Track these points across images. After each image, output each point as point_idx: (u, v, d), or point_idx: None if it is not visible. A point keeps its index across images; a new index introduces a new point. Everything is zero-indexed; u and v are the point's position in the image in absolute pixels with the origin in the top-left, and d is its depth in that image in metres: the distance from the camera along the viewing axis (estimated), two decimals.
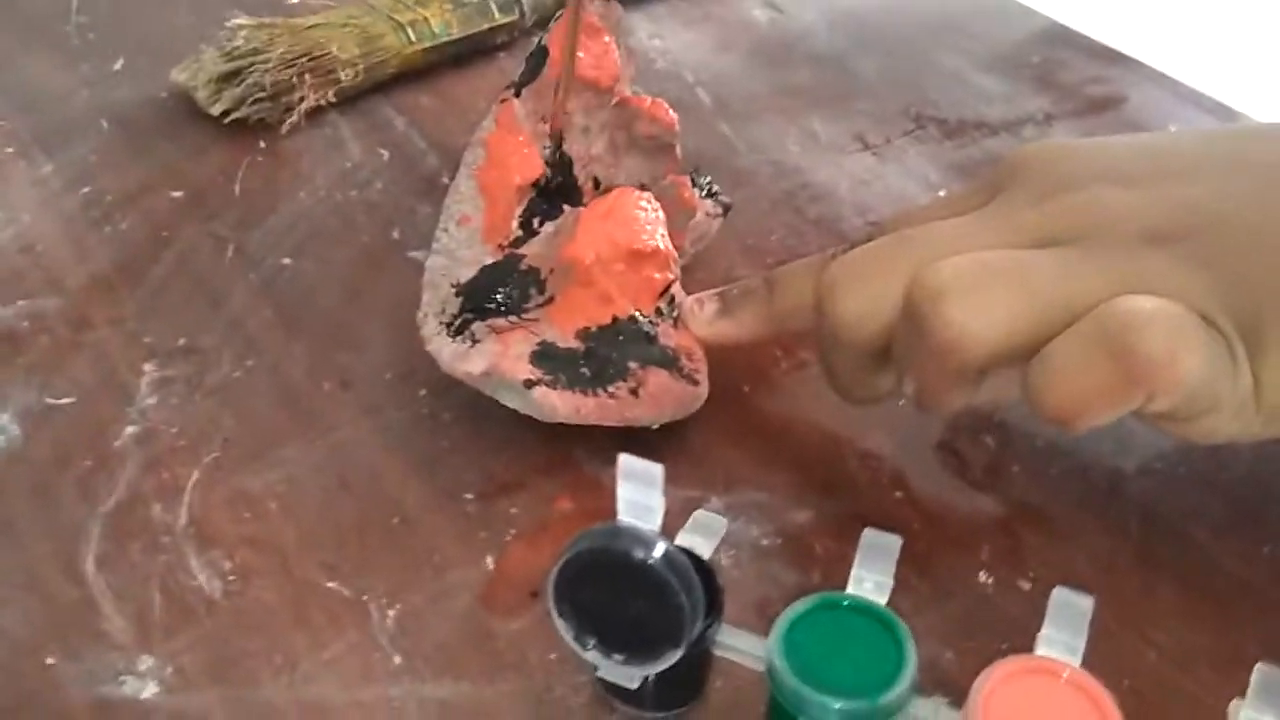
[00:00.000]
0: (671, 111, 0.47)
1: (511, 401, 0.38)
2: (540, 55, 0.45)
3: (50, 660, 0.32)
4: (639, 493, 0.28)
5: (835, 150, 0.56)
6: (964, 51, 0.64)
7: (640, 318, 0.39)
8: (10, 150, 0.50)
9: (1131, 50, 0.66)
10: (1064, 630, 0.30)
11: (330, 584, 0.35)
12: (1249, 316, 0.32)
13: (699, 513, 0.35)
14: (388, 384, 0.42)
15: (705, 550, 0.33)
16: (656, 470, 0.28)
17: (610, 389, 0.37)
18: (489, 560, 0.36)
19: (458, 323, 0.39)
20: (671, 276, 0.40)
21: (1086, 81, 0.63)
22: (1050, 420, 0.32)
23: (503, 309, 0.39)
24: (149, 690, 0.32)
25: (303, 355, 0.42)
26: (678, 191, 0.44)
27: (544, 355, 0.38)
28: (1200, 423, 0.32)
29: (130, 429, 0.39)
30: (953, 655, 0.34)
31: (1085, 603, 0.30)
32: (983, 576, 0.37)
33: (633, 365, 0.38)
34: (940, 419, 0.41)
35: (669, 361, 0.39)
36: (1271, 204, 0.33)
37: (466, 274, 0.41)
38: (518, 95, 0.45)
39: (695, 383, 0.39)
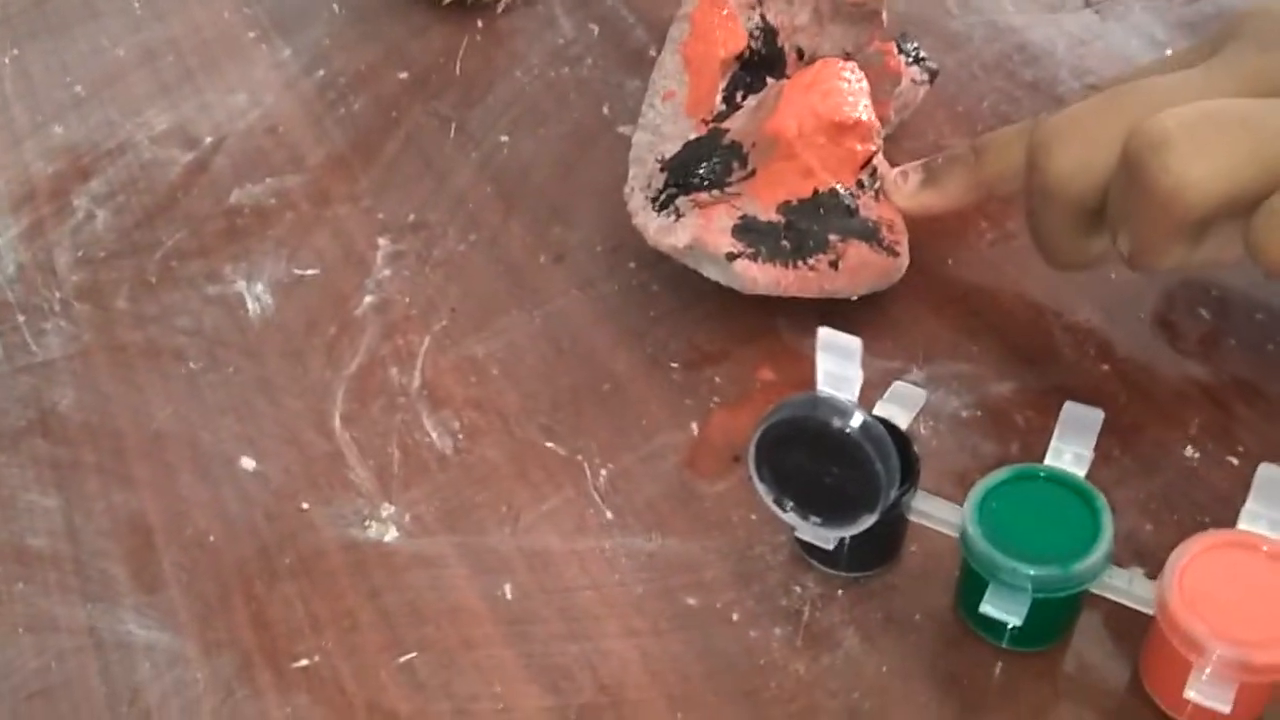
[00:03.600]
0: None
1: (713, 274, 0.39)
2: None
3: (305, 505, 0.36)
4: (837, 364, 0.29)
5: (1053, 8, 0.54)
6: None
7: (841, 190, 0.40)
8: (253, 35, 0.54)
9: None
10: (1269, 505, 0.30)
11: (548, 444, 0.38)
12: None
13: (898, 384, 0.36)
14: (599, 257, 0.44)
15: (903, 420, 0.34)
16: (855, 343, 0.29)
17: (810, 261, 0.38)
18: (694, 426, 0.38)
19: (663, 197, 0.41)
20: (874, 148, 0.40)
21: None
22: (1274, 272, 0.31)
23: (706, 183, 0.40)
24: (390, 534, 0.35)
25: (520, 230, 0.45)
26: (883, 60, 0.44)
27: (745, 228, 0.39)
28: None
29: (369, 298, 0.42)
30: (1153, 528, 0.35)
31: None
32: (1189, 451, 0.36)
33: (833, 238, 0.39)
34: (1155, 287, 0.40)
35: (869, 234, 0.39)
36: None
37: (671, 149, 0.42)
38: None
39: (895, 254, 0.40)
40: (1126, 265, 0.35)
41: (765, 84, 0.45)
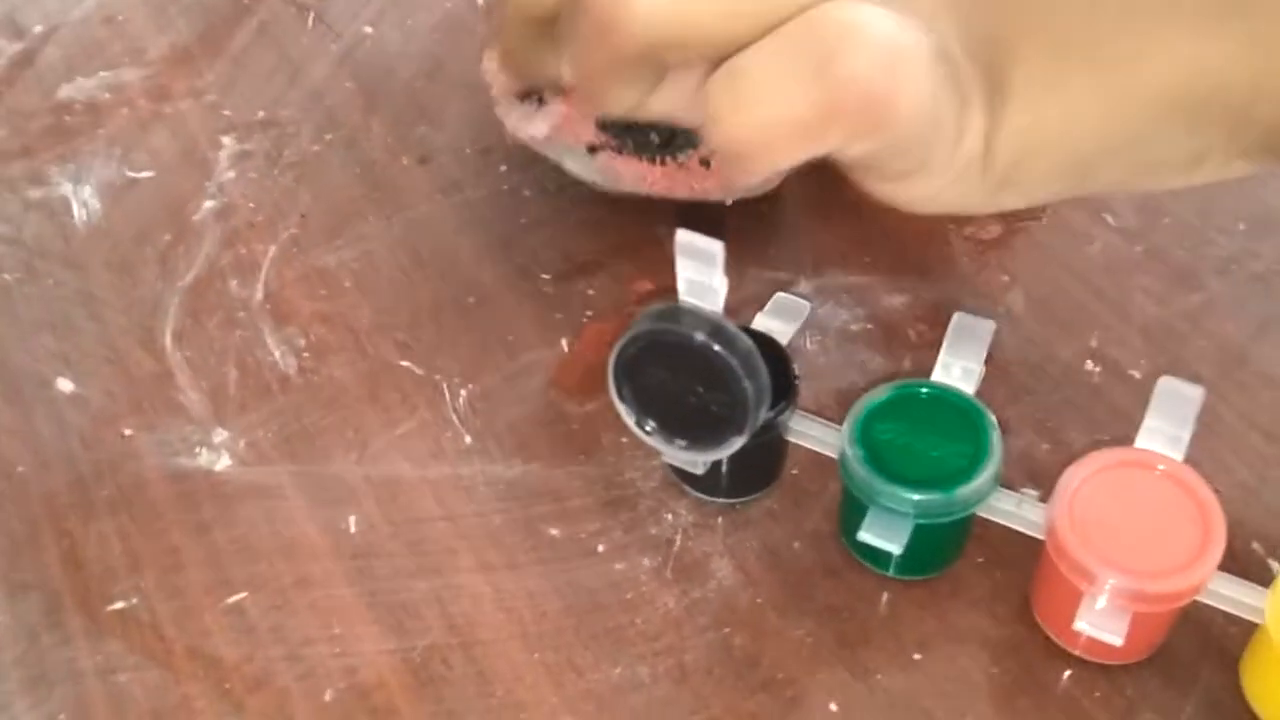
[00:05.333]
0: None
1: (575, 168, 0.36)
2: None
3: (128, 431, 0.33)
4: (699, 271, 0.26)
5: None
6: None
7: None
8: None
9: None
10: (1168, 420, 0.28)
11: (404, 362, 0.34)
12: (999, 52, 0.24)
13: (779, 295, 0.33)
14: (467, 159, 0.40)
15: (784, 334, 0.32)
16: (716, 247, 0.26)
17: (680, 158, 0.35)
18: (564, 342, 0.35)
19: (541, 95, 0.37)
20: None
21: None
22: (727, 152, 0.24)
23: None
24: (222, 463, 0.32)
25: (381, 129, 0.41)
26: None
27: (613, 124, 0.35)
28: (908, 184, 0.26)
29: (209, 203, 0.38)
30: (1049, 448, 0.32)
31: (1193, 392, 0.28)
32: (1089, 365, 0.34)
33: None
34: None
35: None
36: None
37: None
38: None
39: None
40: (573, 104, 0.28)
41: None
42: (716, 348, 0.26)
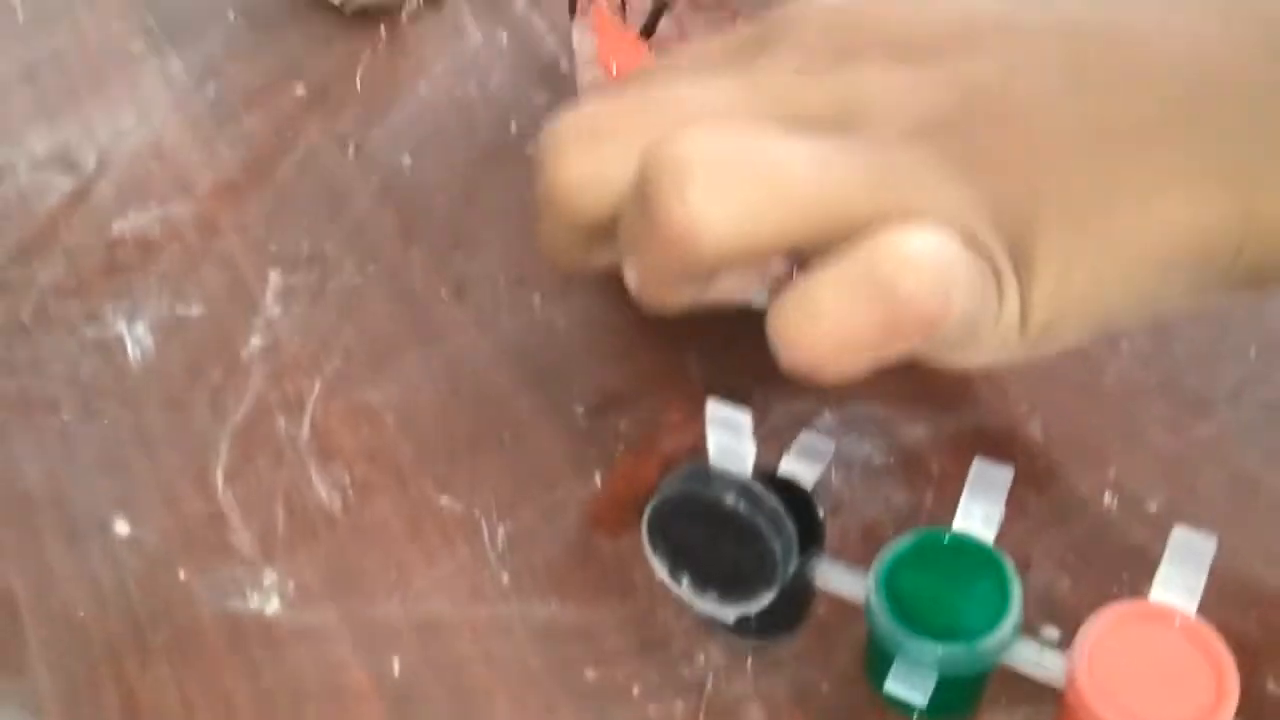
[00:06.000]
0: None
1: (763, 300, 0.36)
2: None
3: (183, 574, 0.34)
4: (729, 439, 0.28)
5: None
6: None
7: None
8: (141, 46, 0.51)
9: None
10: (1183, 571, 0.29)
11: (444, 499, 0.36)
12: (1021, 227, 0.27)
13: (804, 436, 0.34)
14: (502, 290, 0.42)
15: (809, 477, 0.33)
16: (744, 419, 0.27)
17: None
18: (597, 476, 0.36)
19: None
20: None
21: None
22: (796, 367, 0.27)
23: None
24: (272, 606, 0.34)
25: (420, 260, 0.43)
26: None
27: None
28: (955, 358, 0.29)
29: (256, 340, 0.40)
30: (1069, 583, 0.33)
31: (1206, 545, 0.29)
32: (1107, 498, 0.35)
33: None
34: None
35: None
36: (1055, 79, 0.28)
37: None
38: None
39: None
40: (633, 295, 0.30)
41: None
42: (744, 510, 0.28)
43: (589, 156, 0.29)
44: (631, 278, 0.29)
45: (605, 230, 0.30)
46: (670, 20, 0.45)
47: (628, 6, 0.44)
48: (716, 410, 0.27)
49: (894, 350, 0.26)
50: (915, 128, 0.27)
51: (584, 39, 0.43)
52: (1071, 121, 0.28)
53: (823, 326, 0.26)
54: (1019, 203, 0.27)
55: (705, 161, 0.26)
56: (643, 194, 0.27)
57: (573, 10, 0.43)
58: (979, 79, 0.28)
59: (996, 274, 0.27)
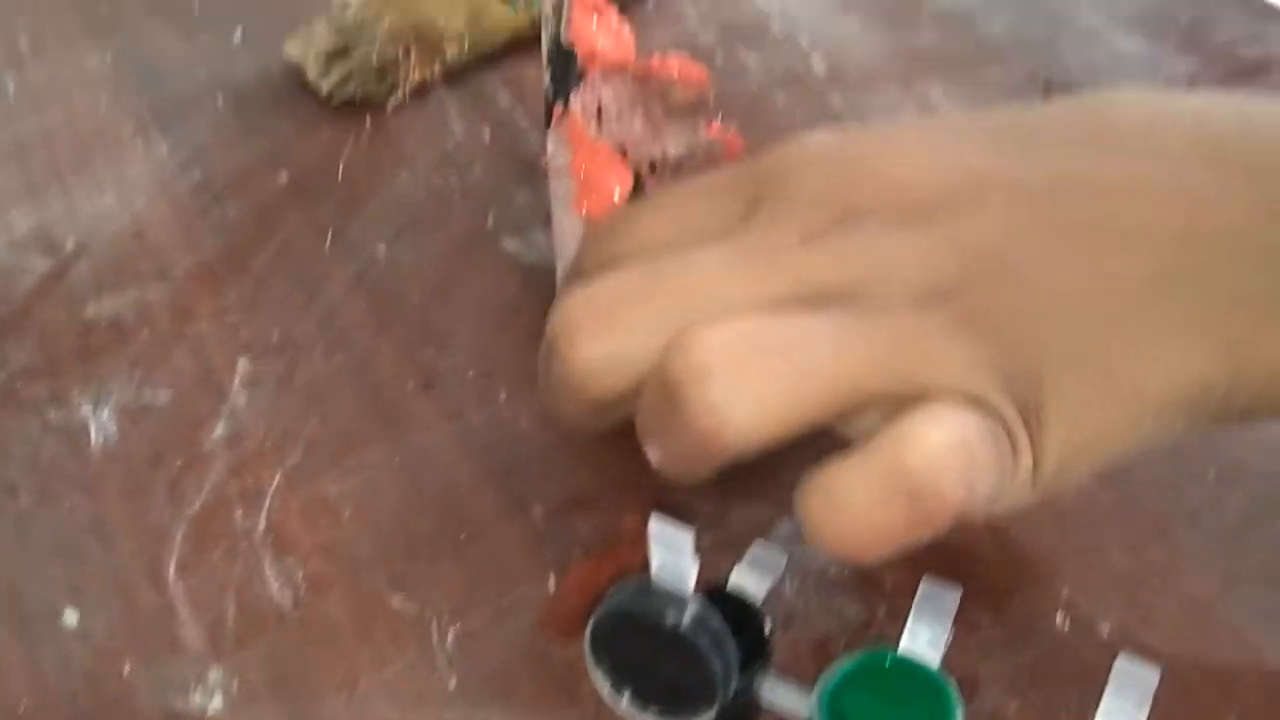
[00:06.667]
0: (694, 64, 0.45)
1: None
2: (568, 56, 0.44)
3: (128, 668, 0.34)
4: (670, 556, 0.28)
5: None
6: (1105, 8, 0.60)
7: None
8: (130, 129, 0.52)
9: None
10: (1126, 700, 0.29)
11: (396, 598, 0.36)
12: (1029, 382, 0.28)
13: (756, 548, 0.34)
14: (470, 384, 0.42)
15: (759, 590, 0.33)
16: (686, 538, 0.27)
17: None
18: (552, 580, 0.36)
19: None
20: None
21: (1239, 41, 0.58)
22: (832, 554, 0.28)
23: None
24: (215, 703, 0.33)
25: (389, 351, 0.43)
26: (724, 147, 0.43)
27: None
28: (974, 514, 0.29)
29: (220, 428, 0.40)
30: (1016, 706, 0.33)
31: (1150, 676, 0.29)
32: (1059, 618, 0.35)
33: None
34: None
35: None
36: (1053, 240, 0.29)
37: None
38: (566, 106, 0.44)
39: None
40: (655, 468, 0.31)
41: None
42: (684, 629, 0.28)
43: (605, 341, 0.30)
44: (654, 456, 0.31)
45: (622, 401, 0.31)
46: (643, 120, 0.46)
47: (603, 112, 0.45)
48: (658, 528, 0.27)
49: (920, 537, 0.28)
50: (920, 294, 0.28)
51: (558, 148, 0.43)
52: (1070, 280, 0.29)
53: (852, 520, 0.27)
54: (1025, 359, 0.28)
55: (725, 364, 0.28)
56: (664, 393, 0.28)
57: (549, 119, 0.44)
58: (979, 242, 0.29)
59: (1010, 434, 0.29)
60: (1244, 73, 0.56)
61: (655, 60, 0.46)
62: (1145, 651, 0.31)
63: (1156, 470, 0.39)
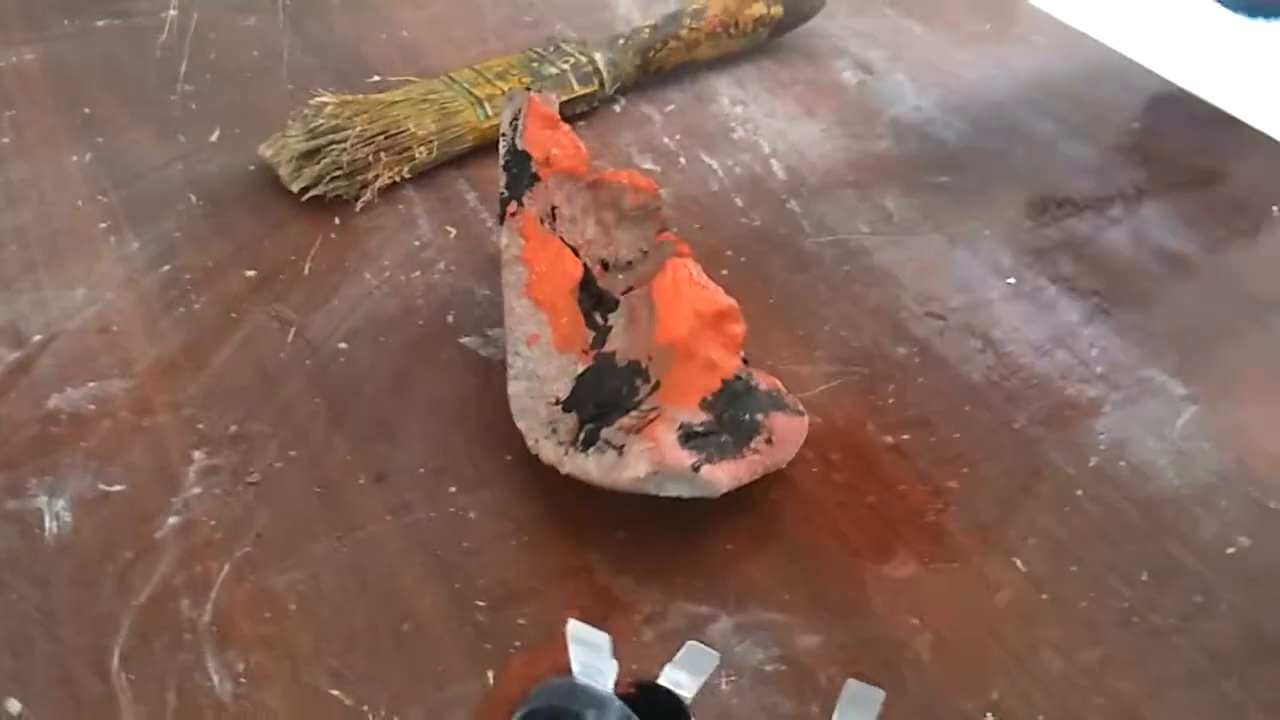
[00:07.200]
0: (644, 176, 0.48)
1: (675, 490, 0.38)
2: (523, 160, 0.46)
3: None
4: (590, 657, 0.28)
5: (905, 231, 0.55)
6: (1056, 118, 0.62)
7: (741, 372, 0.40)
8: (103, 226, 0.53)
9: (1249, 113, 0.63)
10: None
11: (334, 691, 0.36)
12: None
13: (689, 646, 0.35)
14: (420, 479, 0.43)
15: (690, 687, 0.33)
16: (603, 640, 0.28)
17: (752, 445, 0.39)
18: (490, 674, 0.37)
19: (584, 435, 0.40)
20: (743, 328, 0.41)
21: (1189, 151, 0.60)
22: None
23: (621, 409, 0.40)
24: None
25: (343, 445, 0.44)
26: (675, 248, 0.45)
27: (689, 435, 0.39)
28: None
29: (173, 519, 0.41)
30: None
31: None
32: (989, 719, 0.36)
33: (759, 417, 0.40)
34: (964, 538, 0.40)
35: (779, 402, 0.41)
36: None
37: (561, 388, 0.42)
38: (520, 205, 0.45)
39: (800, 413, 0.41)
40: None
41: (605, 301, 0.45)
42: None
43: None
44: None
45: None
46: (595, 225, 0.47)
47: (557, 215, 0.46)
48: (576, 630, 0.28)
49: None
50: None
51: (511, 240, 0.45)
52: None
53: None
54: None
55: None
56: None
57: (501, 218, 0.46)
58: None
59: None
60: (1192, 184, 0.58)
61: (608, 171, 0.48)
62: None
63: (1090, 571, 0.40)
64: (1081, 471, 0.43)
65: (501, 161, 0.47)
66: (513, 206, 0.45)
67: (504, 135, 0.47)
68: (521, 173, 0.46)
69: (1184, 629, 0.38)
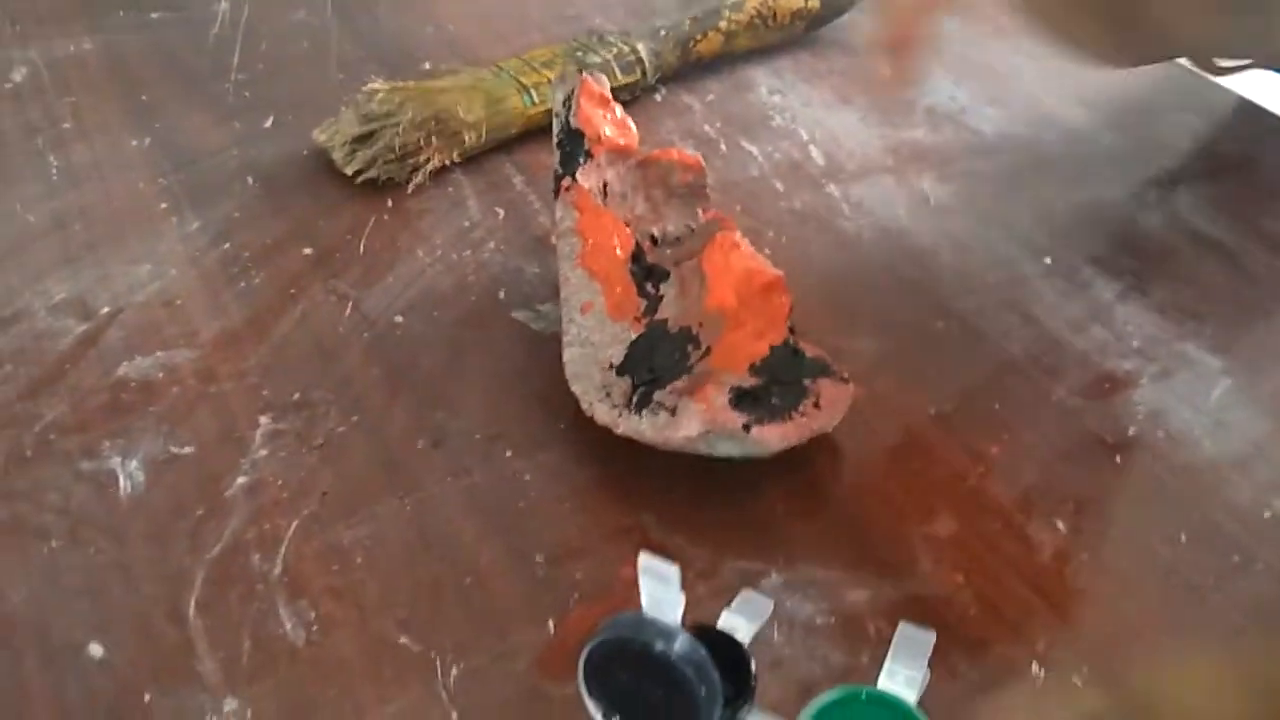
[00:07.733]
0: (694, 152, 0.50)
1: (727, 449, 0.40)
2: (576, 137, 0.48)
3: (148, 697, 0.36)
4: (659, 589, 0.30)
5: (942, 213, 0.56)
6: (1088, 108, 0.63)
7: (789, 340, 0.42)
8: (164, 206, 0.55)
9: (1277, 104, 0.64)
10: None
11: (402, 639, 0.38)
12: None
13: (745, 592, 0.36)
14: (476, 444, 0.44)
15: (746, 632, 0.35)
16: (672, 572, 0.29)
17: (800, 408, 0.41)
18: (550, 623, 0.38)
19: (638, 397, 0.42)
20: (789, 299, 0.43)
21: (1218, 139, 0.61)
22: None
23: (674, 373, 0.42)
24: None
25: (402, 413, 0.45)
26: (722, 224, 0.46)
27: (740, 397, 0.40)
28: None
29: (241, 479, 0.43)
30: None
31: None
32: (1035, 668, 0.37)
33: (806, 382, 0.41)
34: (1013, 495, 0.41)
35: (824, 369, 0.42)
36: None
37: (613, 353, 0.43)
38: (574, 180, 0.47)
39: (846, 381, 0.42)
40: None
41: (655, 273, 0.46)
42: (673, 658, 0.29)
43: None
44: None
45: None
46: (644, 201, 0.49)
47: (608, 192, 0.48)
48: (647, 562, 0.29)
49: None
50: None
51: (566, 212, 0.46)
52: None
53: None
54: None
55: None
56: None
57: (556, 192, 0.47)
58: None
59: None
60: (1222, 170, 0.60)
61: (657, 149, 0.49)
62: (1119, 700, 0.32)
63: (1129, 533, 0.41)
64: (1120, 440, 0.45)
65: (555, 140, 0.49)
66: (567, 181, 0.47)
67: (557, 115, 0.49)
68: (575, 150, 0.48)
69: (1221, 588, 0.39)
